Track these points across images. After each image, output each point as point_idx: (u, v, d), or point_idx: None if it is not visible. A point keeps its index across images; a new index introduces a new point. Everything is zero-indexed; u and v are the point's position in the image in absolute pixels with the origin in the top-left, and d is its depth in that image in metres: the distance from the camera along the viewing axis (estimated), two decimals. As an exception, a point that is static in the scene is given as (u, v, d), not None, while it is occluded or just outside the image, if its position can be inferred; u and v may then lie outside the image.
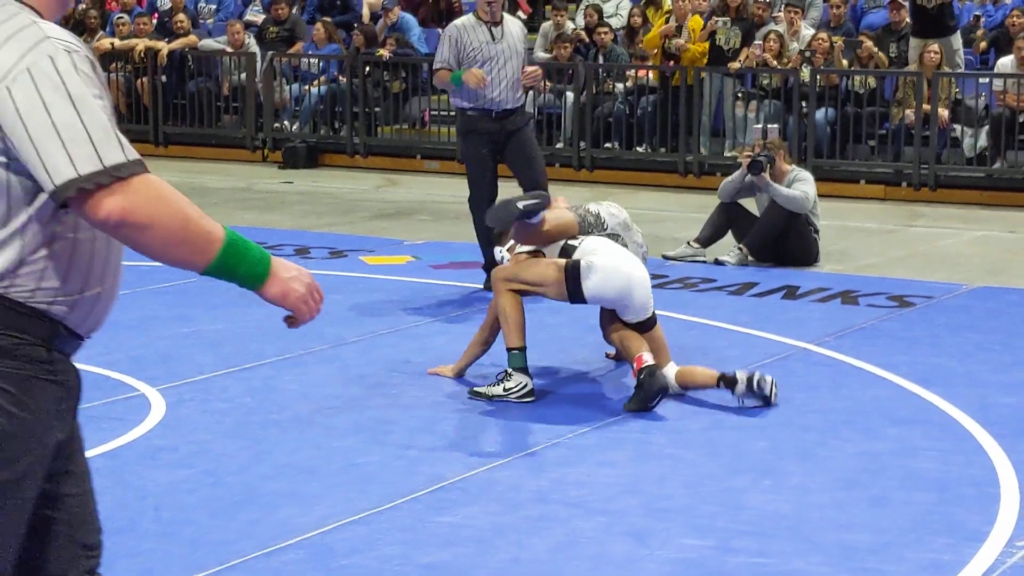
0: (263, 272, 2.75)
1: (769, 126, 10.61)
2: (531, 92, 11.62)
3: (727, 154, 14.10)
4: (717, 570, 4.53)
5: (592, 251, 6.52)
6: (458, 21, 9.19)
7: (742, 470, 5.53)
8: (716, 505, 5.12)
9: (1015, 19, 14.07)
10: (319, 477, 5.42)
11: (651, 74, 14.54)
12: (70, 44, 2.58)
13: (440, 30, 16.99)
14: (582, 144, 14.73)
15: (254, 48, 16.45)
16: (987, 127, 13.14)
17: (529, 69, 9.08)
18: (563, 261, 6.52)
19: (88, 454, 2.97)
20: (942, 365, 7.15)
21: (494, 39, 8.98)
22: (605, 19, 15.89)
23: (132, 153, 2.61)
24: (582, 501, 5.16)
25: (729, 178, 10.13)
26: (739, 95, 14.20)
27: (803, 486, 5.33)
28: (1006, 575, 4.49)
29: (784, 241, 9.82)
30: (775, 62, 13.95)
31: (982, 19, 15.32)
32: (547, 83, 14.94)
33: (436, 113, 16.00)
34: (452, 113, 15.55)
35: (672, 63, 14.41)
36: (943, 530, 4.85)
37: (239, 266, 2.72)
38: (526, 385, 6.46)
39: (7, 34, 2.55)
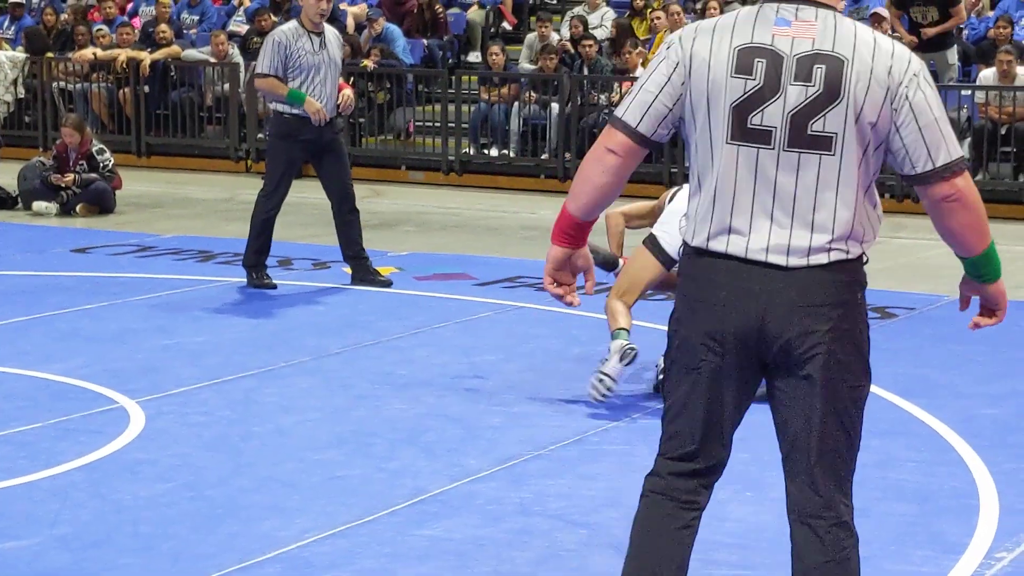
0: (1000, 272, 3.52)
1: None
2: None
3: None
4: (698, 583, 4.51)
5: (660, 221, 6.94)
6: (284, 28, 9.32)
7: (724, 482, 5.42)
8: (698, 517, 5.10)
9: (1000, 30, 14.12)
10: (300, 490, 5.40)
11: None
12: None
13: (424, 40, 17.05)
14: (567, 155, 14.73)
15: (238, 58, 16.44)
16: (969, 139, 13.17)
17: (347, 94, 9.34)
18: (641, 247, 6.86)
19: (66, 467, 2.95)
20: (924, 376, 7.16)
21: (316, 48, 9.15)
22: (590, 31, 15.91)
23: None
24: (564, 514, 5.14)
25: None
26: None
27: (785, 498, 5.30)
28: (987, 588, 4.49)
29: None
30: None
31: (965, 32, 15.36)
32: (532, 95, 14.95)
33: (421, 124, 16.00)
34: (438, 124, 15.62)
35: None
36: (923, 542, 4.85)
37: (995, 258, 3.49)
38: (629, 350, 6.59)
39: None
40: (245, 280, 9.31)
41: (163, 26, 16.89)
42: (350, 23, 17.81)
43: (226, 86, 16.38)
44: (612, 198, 3.50)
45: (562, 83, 14.76)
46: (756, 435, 6.10)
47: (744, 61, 3.29)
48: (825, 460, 3.40)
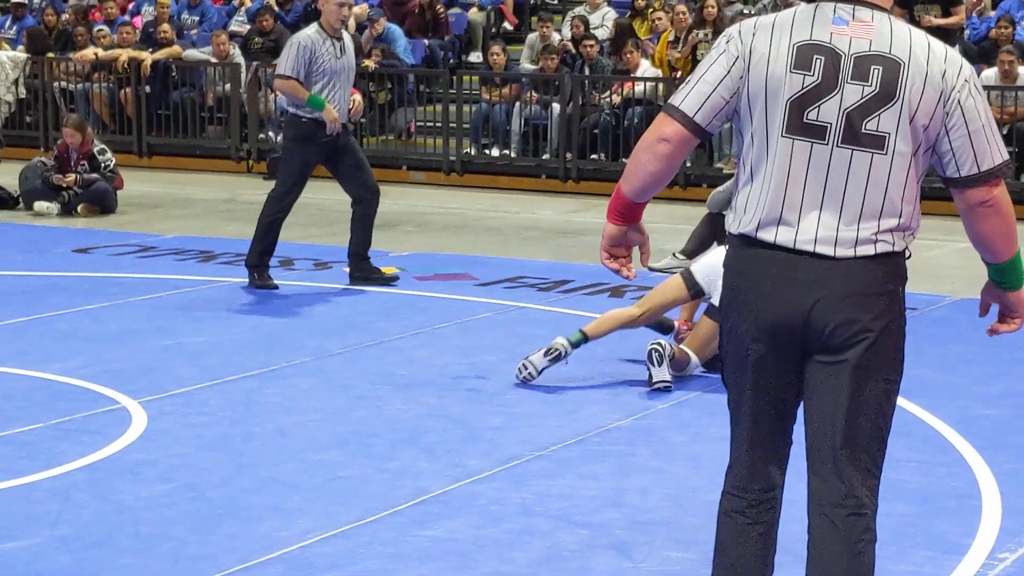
0: (1022, 282, 3.57)
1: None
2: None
3: (715, 165, 14.12)
4: (699, 584, 4.52)
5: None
6: (307, 32, 9.29)
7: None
8: (700, 517, 5.10)
9: (1001, 30, 14.12)
10: (301, 491, 5.40)
11: (637, 85, 14.55)
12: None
13: (426, 41, 17.05)
14: (568, 156, 14.73)
15: (239, 59, 16.44)
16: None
17: (356, 100, 9.41)
18: (676, 276, 7.39)
19: (67, 468, 2.95)
20: (925, 377, 7.15)
21: (337, 54, 9.21)
22: (591, 30, 15.91)
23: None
24: (565, 514, 5.14)
25: (719, 188, 10.12)
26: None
27: (786, 499, 5.24)
28: (988, 588, 4.49)
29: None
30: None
31: (966, 32, 15.35)
32: (534, 95, 14.95)
33: (422, 124, 16.00)
34: (439, 124, 15.61)
35: (666, 73, 14.46)
36: (924, 542, 4.84)
37: (1019, 266, 3.54)
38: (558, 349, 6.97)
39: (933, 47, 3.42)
40: (247, 280, 9.31)
41: (164, 26, 16.89)
42: (351, 23, 17.80)
43: (227, 86, 16.38)
44: (663, 183, 3.63)
45: (563, 83, 14.76)
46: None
47: (803, 57, 3.39)
48: (851, 448, 3.43)
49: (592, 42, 15.18)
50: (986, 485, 5.41)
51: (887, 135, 3.36)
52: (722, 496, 3.68)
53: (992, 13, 15.33)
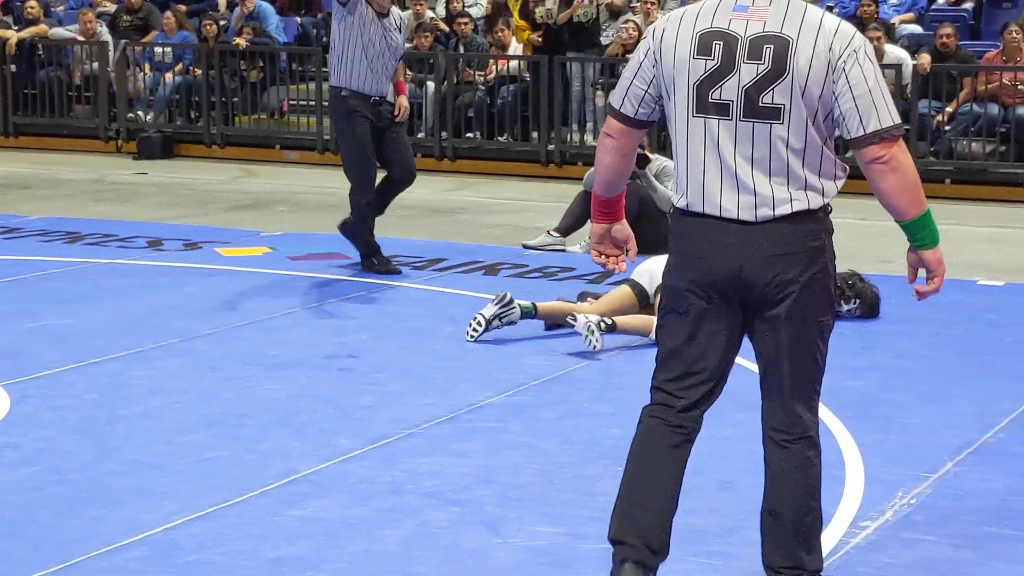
0: (937, 239, 3.84)
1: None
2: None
3: (589, 143, 14.18)
4: (569, 557, 4.54)
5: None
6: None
7: (596, 458, 5.55)
8: (569, 492, 5.13)
9: (865, 8, 14.34)
10: (167, 473, 5.32)
11: (511, 63, 14.55)
12: None
13: (298, 19, 16.87)
14: (443, 134, 14.69)
15: (106, 37, 16.15)
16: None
17: (403, 106, 9.31)
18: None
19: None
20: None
21: (381, 33, 9.03)
22: (467, 8, 15.87)
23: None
24: (436, 492, 5.13)
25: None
26: (599, 84, 14.27)
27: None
28: (850, 555, 4.56)
29: (637, 227, 9.83)
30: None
31: (835, 9, 15.58)
32: (408, 73, 14.87)
33: (295, 103, 15.85)
34: (312, 103, 15.46)
35: (538, 37, 14.50)
36: (790, 513, 4.89)
37: (930, 225, 3.83)
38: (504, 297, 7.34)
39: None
40: (362, 265, 9.21)
41: (31, 3, 16.53)
42: (221, 1, 17.60)
43: (95, 65, 16.08)
44: (622, 174, 4.06)
45: (437, 61, 14.71)
46: (628, 411, 6.16)
47: (704, 44, 3.78)
48: (794, 383, 3.90)
49: (466, 20, 15.14)
50: (850, 455, 5.50)
51: (782, 106, 3.72)
52: (642, 416, 4.09)
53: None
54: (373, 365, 6.93)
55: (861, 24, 14.14)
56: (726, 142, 3.79)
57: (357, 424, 5.97)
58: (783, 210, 3.78)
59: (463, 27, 15.04)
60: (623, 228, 4.16)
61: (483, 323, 7.31)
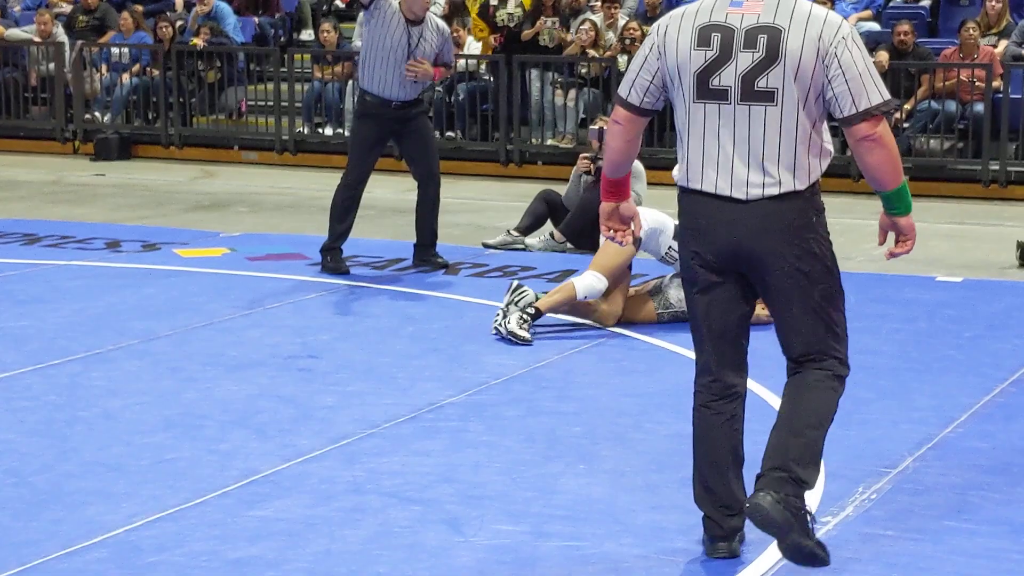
0: (911, 208, 4.23)
1: (604, 127, 10.70)
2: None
3: (548, 143, 14.19)
4: (530, 555, 4.53)
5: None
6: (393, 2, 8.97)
7: (557, 455, 5.55)
8: (531, 491, 5.13)
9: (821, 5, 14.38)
10: (127, 474, 5.28)
11: (468, 62, 14.54)
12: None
13: (256, 18, 16.79)
14: (401, 134, 14.64)
15: (62, 37, 16.04)
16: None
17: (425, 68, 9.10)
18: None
19: None
20: (752, 348, 7.23)
21: (409, 39, 9.01)
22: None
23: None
24: (397, 491, 5.12)
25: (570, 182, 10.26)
26: (558, 83, 14.28)
27: (617, 469, 5.37)
28: (812, 551, 4.56)
29: (597, 228, 9.86)
30: (592, 51, 14.06)
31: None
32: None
33: (253, 103, 15.79)
34: (270, 103, 15.39)
35: (497, 41, 14.48)
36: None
37: (906, 195, 4.20)
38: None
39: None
40: (319, 265, 9.16)
41: (-15, 4, 16.41)
42: (179, 1, 17.52)
43: (51, 66, 15.97)
44: (629, 157, 4.41)
45: (396, 61, 14.65)
46: (590, 409, 6.17)
47: (704, 36, 4.18)
48: (813, 345, 4.29)
49: (424, 20, 15.09)
50: (811, 451, 5.51)
51: (776, 90, 4.11)
52: (694, 395, 4.45)
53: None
54: (334, 365, 6.90)
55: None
56: (724, 125, 4.17)
57: (318, 424, 5.95)
58: (771, 191, 4.15)
59: (421, 27, 14.98)
60: (629, 206, 4.51)
61: (502, 313, 7.41)
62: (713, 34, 4.17)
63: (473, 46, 14.76)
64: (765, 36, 4.11)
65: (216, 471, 5.32)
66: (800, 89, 4.10)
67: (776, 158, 4.14)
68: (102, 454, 5.52)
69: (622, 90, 4.35)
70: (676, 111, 4.29)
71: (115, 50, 16.02)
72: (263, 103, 15.66)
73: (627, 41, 13.87)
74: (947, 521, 4.84)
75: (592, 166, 9.87)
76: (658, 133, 13.95)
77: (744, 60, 4.13)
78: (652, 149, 13.72)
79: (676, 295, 7.76)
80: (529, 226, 10.22)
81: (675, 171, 4.43)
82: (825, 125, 4.22)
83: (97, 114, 16.01)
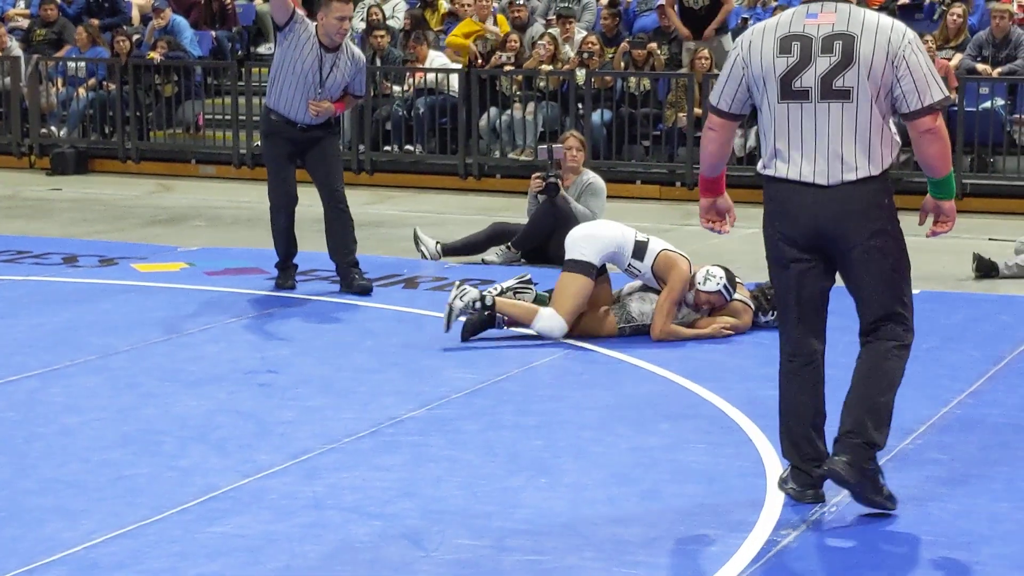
0: (955, 193, 5.01)
1: (554, 145, 10.69)
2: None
3: (510, 156, 14.20)
4: (492, 569, 4.53)
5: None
6: (310, 25, 8.84)
7: (518, 469, 5.55)
8: (492, 505, 5.12)
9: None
10: (86, 491, 5.25)
11: (428, 76, 14.54)
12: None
13: (213, 32, 16.74)
14: (361, 147, 14.65)
15: (17, 52, 15.94)
16: (755, 128, 13.48)
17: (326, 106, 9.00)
18: (564, 274, 7.88)
19: None
20: (713, 360, 7.29)
21: (320, 65, 8.85)
22: (387, 21, 15.82)
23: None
24: (357, 506, 5.10)
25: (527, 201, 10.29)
26: (518, 97, 14.29)
27: (578, 483, 5.37)
28: (771, 562, 4.58)
29: (552, 241, 9.86)
30: (549, 65, 14.08)
31: (750, 21, 15.72)
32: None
33: (211, 117, 15.73)
34: (228, 117, 15.35)
35: (467, 65, 14.49)
36: (711, 521, 4.93)
37: (952, 182, 4.97)
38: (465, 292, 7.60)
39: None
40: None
41: (-60, 17, 16.29)
42: (135, 15, 17.45)
43: (7, 80, 15.87)
44: (723, 158, 5.10)
45: (354, 75, 14.62)
46: (551, 423, 6.17)
47: (785, 45, 4.83)
48: (885, 312, 4.91)
49: (383, 32, 15.10)
50: (770, 463, 5.53)
51: (852, 88, 4.75)
52: (780, 363, 5.06)
53: (773, 3, 15.72)
54: (293, 380, 6.88)
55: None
56: (807, 121, 4.79)
57: (278, 439, 5.93)
58: (849, 176, 4.78)
59: (379, 40, 14.97)
60: (725, 200, 5.18)
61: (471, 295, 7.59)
62: (793, 43, 4.80)
63: (437, 59, 14.73)
64: (840, 42, 4.75)
65: (175, 487, 5.29)
66: (872, 87, 4.73)
67: (853, 147, 4.77)
68: (60, 471, 5.48)
69: (712, 99, 5.01)
70: (761, 112, 4.90)
71: (71, 64, 15.93)
72: (220, 117, 15.61)
73: (585, 55, 13.91)
74: (907, 532, 4.86)
75: (544, 183, 9.89)
76: (616, 147, 14.00)
77: (822, 63, 4.76)
78: (611, 162, 13.77)
79: (637, 308, 7.78)
80: (458, 248, 10.28)
81: (759, 165, 4.98)
82: (892, 120, 4.80)
83: (53, 128, 15.92)
